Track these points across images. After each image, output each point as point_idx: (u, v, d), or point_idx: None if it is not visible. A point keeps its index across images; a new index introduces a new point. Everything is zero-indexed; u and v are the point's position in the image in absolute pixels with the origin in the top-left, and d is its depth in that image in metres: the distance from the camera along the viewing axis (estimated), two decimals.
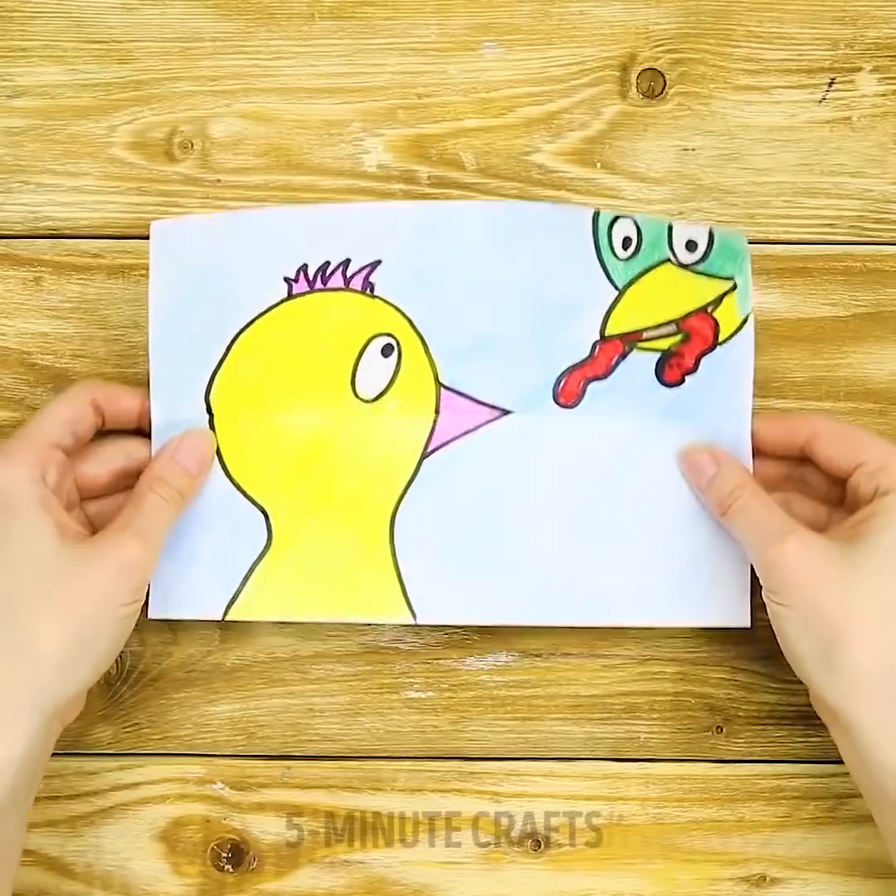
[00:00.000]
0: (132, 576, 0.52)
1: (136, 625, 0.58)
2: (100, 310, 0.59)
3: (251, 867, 0.59)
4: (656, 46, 0.58)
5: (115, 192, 0.58)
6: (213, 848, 0.59)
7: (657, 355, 0.56)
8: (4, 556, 0.51)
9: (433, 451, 0.56)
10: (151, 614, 0.56)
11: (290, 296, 0.56)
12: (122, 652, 0.58)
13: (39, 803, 0.59)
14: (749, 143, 0.58)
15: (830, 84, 0.58)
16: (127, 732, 0.59)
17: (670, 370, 0.56)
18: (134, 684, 0.59)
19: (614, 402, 0.56)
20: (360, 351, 0.56)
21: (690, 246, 0.56)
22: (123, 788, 0.59)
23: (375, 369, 0.56)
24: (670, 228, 0.56)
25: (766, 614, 0.53)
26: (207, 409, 0.56)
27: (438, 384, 0.56)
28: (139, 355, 0.58)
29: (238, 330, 0.56)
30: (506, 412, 0.56)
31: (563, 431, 0.56)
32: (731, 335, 0.56)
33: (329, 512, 0.56)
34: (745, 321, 0.56)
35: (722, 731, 0.59)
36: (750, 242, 0.58)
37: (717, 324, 0.56)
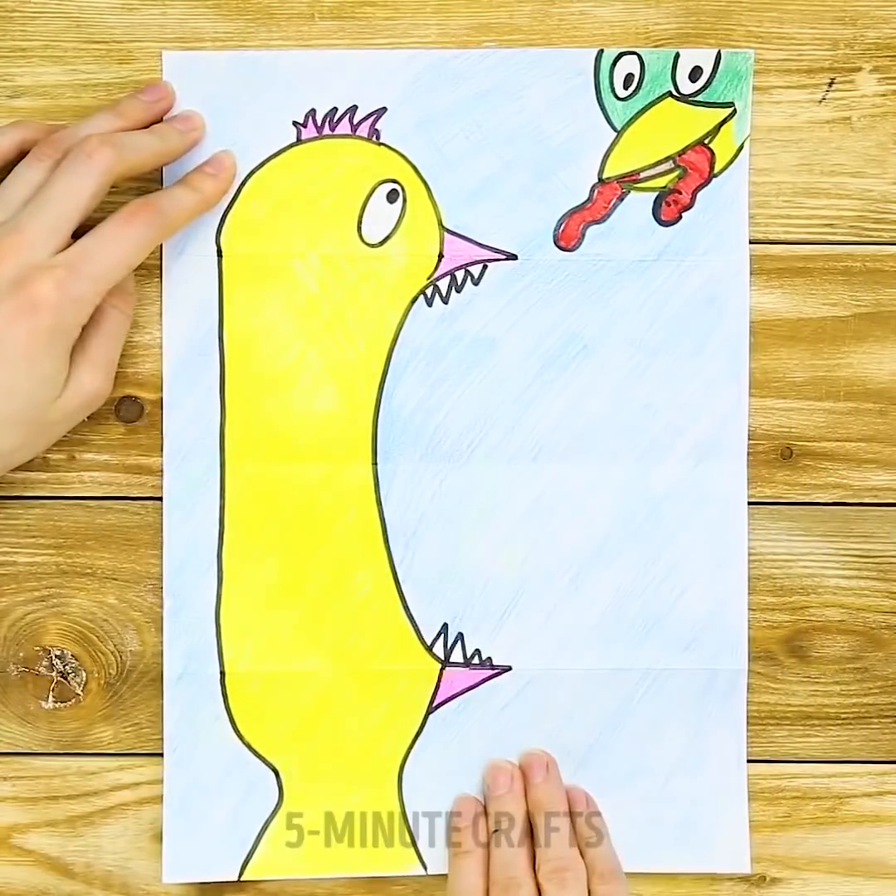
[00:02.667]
0: (93, 405, 0.55)
1: (136, 625, 0.58)
2: None
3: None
4: (656, 46, 0.58)
5: (114, 192, 0.58)
6: None
7: (654, 195, 0.57)
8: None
9: (439, 706, 0.58)
10: (165, 879, 0.57)
11: (300, 141, 0.58)
12: (121, 652, 0.58)
13: (39, 803, 0.59)
14: (749, 143, 0.58)
15: (830, 84, 0.58)
16: (127, 732, 0.59)
17: (667, 208, 0.57)
18: (134, 684, 0.59)
19: (613, 245, 0.57)
20: (367, 196, 0.57)
21: (695, 74, 0.57)
22: (123, 788, 0.59)
23: (381, 214, 0.58)
24: (677, 56, 0.57)
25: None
26: (217, 249, 0.57)
27: (442, 228, 0.58)
28: (139, 355, 0.58)
29: (249, 170, 0.57)
30: (508, 255, 0.57)
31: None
32: (727, 165, 0.58)
33: (338, 766, 0.58)
34: (741, 148, 0.58)
35: None
36: (750, 242, 0.58)
37: (713, 155, 0.58)
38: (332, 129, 0.58)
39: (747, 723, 0.58)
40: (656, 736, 0.58)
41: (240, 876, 0.57)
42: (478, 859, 0.56)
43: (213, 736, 0.57)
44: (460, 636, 0.57)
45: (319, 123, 0.58)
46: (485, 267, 0.58)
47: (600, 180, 0.58)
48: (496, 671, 0.58)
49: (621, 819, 0.57)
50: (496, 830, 0.56)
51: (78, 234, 0.53)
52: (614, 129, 0.58)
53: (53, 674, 0.59)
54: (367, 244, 0.58)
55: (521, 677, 0.58)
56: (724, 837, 0.58)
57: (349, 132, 0.58)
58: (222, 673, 0.57)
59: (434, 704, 0.58)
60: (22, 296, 0.51)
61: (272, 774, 0.57)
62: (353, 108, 0.58)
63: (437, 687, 0.58)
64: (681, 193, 0.58)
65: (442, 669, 0.58)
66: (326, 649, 0.57)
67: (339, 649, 0.57)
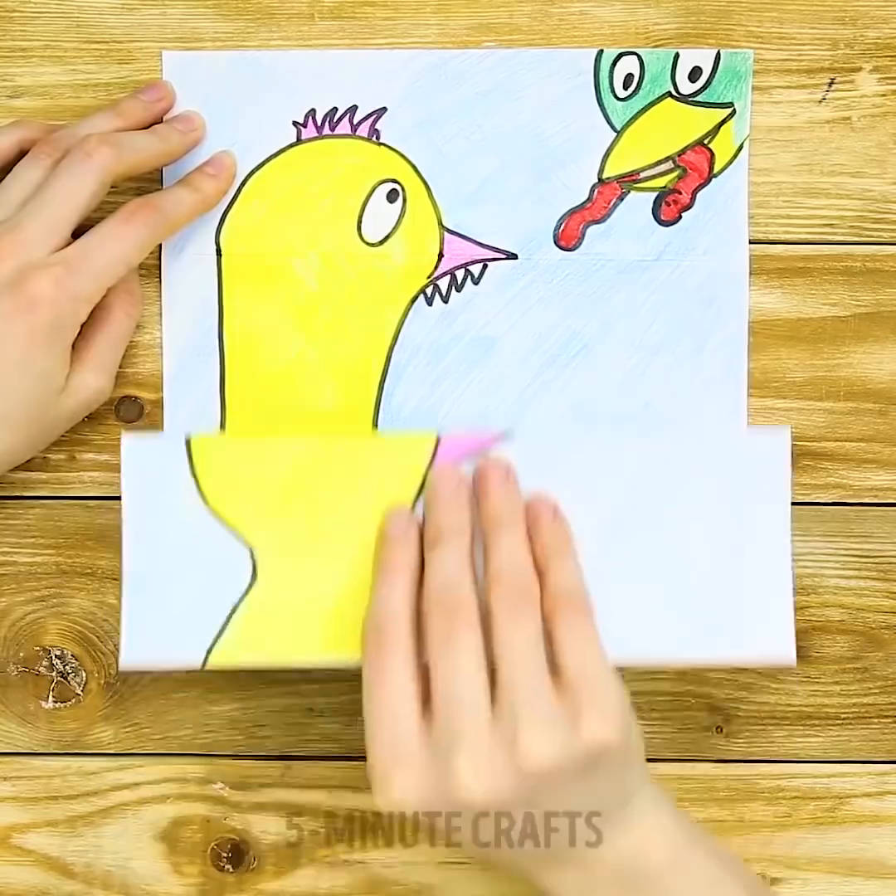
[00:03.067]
0: (93, 404, 0.55)
1: None
2: None
3: (251, 867, 0.59)
4: (656, 46, 0.58)
5: (114, 192, 0.58)
6: (213, 848, 0.59)
7: (654, 195, 0.57)
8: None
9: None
10: (122, 666, 0.52)
11: (300, 141, 0.58)
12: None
13: (39, 803, 0.59)
14: (748, 143, 0.58)
15: (830, 84, 0.58)
16: (127, 732, 0.59)
17: (667, 208, 0.57)
18: (134, 684, 0.59)
19: (613, 244, 0.57)
20: (367, 196, 0.58)
21: (694, 74, 0.57)
22: (123, 788, 0.59)
23: (381, 214, 0.58)
24: (676, 56, 0.57)
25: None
26: (217, 249, 0.57)
27: (442, 228, 0.58)
28: (139, 355, 0.58)
29: (249, 170, 0.57)
30: (508, 255, 0.57)
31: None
32: (727, 165, 0.58)
33: (321, 544, 0.53)
34: (740, 148, 0.58)
35: (722, 731, 0.59)
36: (750, 242, 0.58)
37: (712, 155, 0.57)
38: (332, 129, 0.58)
39: (747, 721, 0.58)
40: (687, 513, 0.52)
41: (204, 664, 0.52)
42: (408, 578, 0.49)
43: (179, 505, 0.52)
44: None
45: (319, 123, 0.58)
46: (485, 266, 0.58)
47: (600, 180, 0.58)
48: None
49: (646, 607, 0.52)
50: (435, 543, 0.49)
51: (77, 233, 0.53)
52: (614, 129, 0.58)
53: (53, 674, 0.59)
54: (367, 244, 0.58)
55: (527, 445, 0.52)
56: (766, 627, 0.52)
57: (349, 132, 0.58)
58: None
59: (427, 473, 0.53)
60: (20, 294, 0.51)
61: (245, 551, 0.52)
62: (353, 108, 0.58)
63: (434, 456, 0.53)
64: (680, 193, 0.58)
65: (439, 438, 0.53)
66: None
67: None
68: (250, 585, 0.52)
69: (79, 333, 0.53)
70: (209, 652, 0.52)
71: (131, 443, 0.53)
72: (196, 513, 0.52)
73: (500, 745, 0.46)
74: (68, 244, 0.53)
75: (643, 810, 0.49)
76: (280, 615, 0.52)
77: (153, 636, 0.52)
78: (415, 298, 0.58)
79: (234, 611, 0.52)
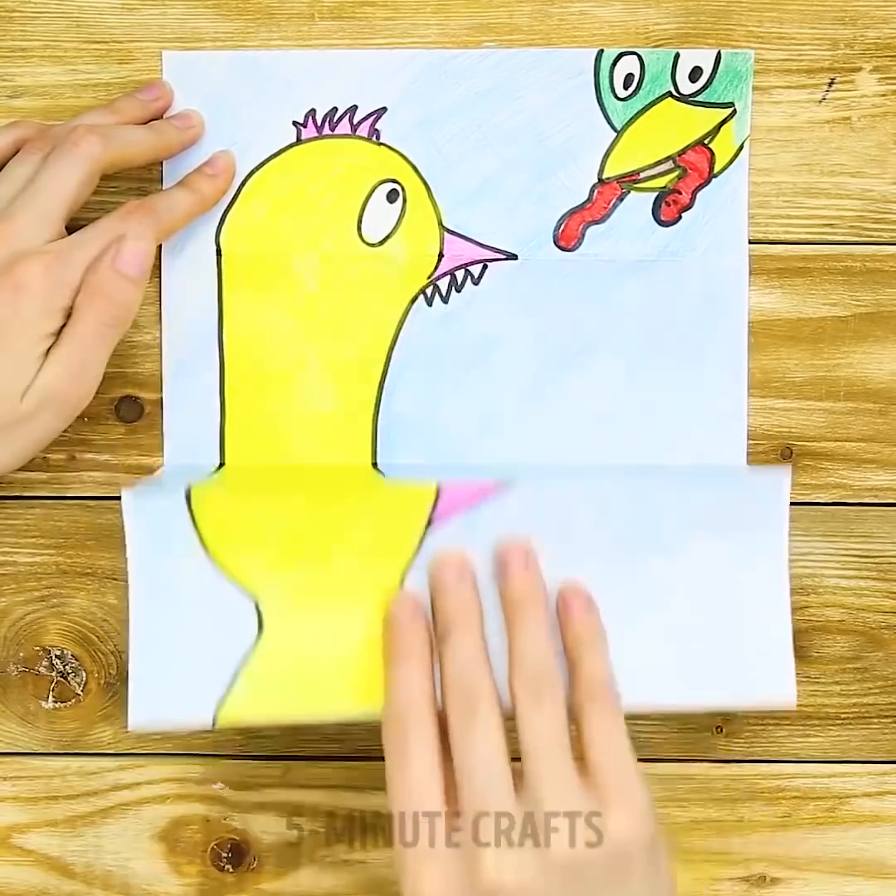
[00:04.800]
0: (55, 407, 0.52)
1: None
2: None
3: (251, 867, 0.59)
4: (656, 46, 0.58)
5: (113, 192, 0.58)
6: (213, 848, 0.59)
7: (653, 195, 0.57)
8: None
9: (439, 522, 0.52)
10: (131, 726, 0.51)
11: (300, 140, 0.58)
12: (122, 652, 0.58)
13: (39, 803, 0.59)
14: (748, 143, 0.58)
15: (830, 84, 0.58)
16: (127, 732, 0.59)
17: (667, 208, 0.57)
18: None
19: (613, 245, 0.57)
20: (367, 196, 0.58)
21: (694, 74, 0.57)
22: (123, 788, 0.59)
23: (381, 214, 0.58)
24: (676, 56, 0.57)
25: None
26: (217, 249, 0.57)
27: (442, 228, 0.58)
28: (139, 355, 0.58)
29: (249, 170, 0.57)
30: (508, 255, 0.57)
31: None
32: (727, 165, 0.58)
33: (326, 594, 0.52)
34: (740, 148, 0.58)
35: (722, 731, 0.59)
36: (750, 242, 0.58)
37: (713, 155, 0.58)
38: (332, 129, 0.58)
39: (747, 721, 0.58)
40: (686, 557, 0.52)
41: (214, 723, 0.51)
42: (422, 663, 0.48)
43: (182, 560, 0.51)
44: None
45: (319, 123, 0.58)
46: (485, 266, 0.58)
47: (600, 180, 0.58)
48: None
49: (647, 653, 0.51)
50: (447, 633, 0.48)
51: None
52: (614, 129, 0.58)
53: (53, 674, 0.59)
54: (367, 244, 0.58)
55: (526, 493, 0.52)
56: (766, 672, 0.52)
57: (349, 132, 0.58)
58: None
59: (432, 522, 0.52)
60: (8, 279, 0.51)
61: (250, 604, 0.51)
62: (353, 108, 0.58)
63: (436, 503, 0.52)
64: (680, 193, 0.58)
65: (439, 488, 0.52)
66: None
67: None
68: (257, 638, 0.51)
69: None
70: (219, 709, 0.51)
71: (132, 498, 0.51)
72: (200, 566, 0.51)
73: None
74: (63, 238, 0.53)
75: None
76: (288, 667, 0.51)
77: (161, 695, 0.51)
78: (415, 299, 0.58)
79: (242, 664, 0.51)
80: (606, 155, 0.58)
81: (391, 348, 0.58)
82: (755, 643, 0.52)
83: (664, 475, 0.54)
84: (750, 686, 0.52)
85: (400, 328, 0.58)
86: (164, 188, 0.57)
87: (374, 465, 0.58)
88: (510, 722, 0.48)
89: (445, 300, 0.58)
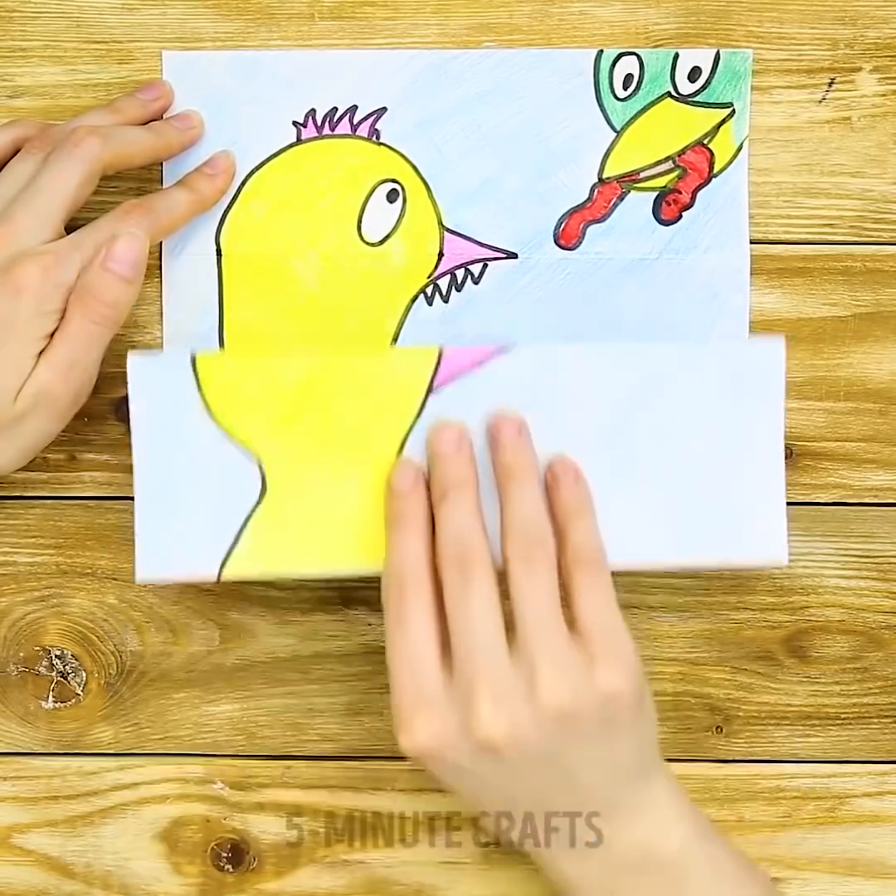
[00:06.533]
0: (44, 408, 0.52)
1: (135, 624, 0.58)
2: None
3: (251, 867, 0.59)
4: (656, 46, 0.58)
5: (113, 192, 0.58)
6: (213, 848, 0.59)
7: (654, 194, 0.57)
8: None
9: (440, 386, 0.53)
10: (138, 579, 0.53)
11: (300, 140, 0.58)
12: (122, 652, 0.58)
13: (39, 803, 0.59)
14: (748, 143, 0.58)
15: (830, 84, 0.58)
16: (127, 732, 0.59)
17: (667, 207, 0.58)
18: (134, 684, 0.59)
19: (613, 244, 0.58)
20: (367, 196, 0.58)
21: (694, 74, 0.57)
22: (123, 788, 0.59)
23: (381, 214, 0.58)
24: (676, 56, 0.57)
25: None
26: (216, 248, 0.57)
27: (442, 227, 0.58)
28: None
29: (249, 170, 0.57)
30: (508, 254, 0.57)
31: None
32: (726, 165, 0.58)
33: (328, 455, 0.53)
34: (740, 148, 0.58)
35: (722, 731, 0.59)
36: (750, 242, 0.58)
37: (712, 155, 0.58)
38: (332, 129, 0.58)
39: (747, 721, 0.58)
40: (683, 419, 0.53)
41: (219, 576, 0.52)
42: (421, 530, 0.50)
43: (186, 419, 0.53)
44: None
45: (319, 123, 0.58)
46: (485, 266, 0.58)
47: (600, 180, 0.58)
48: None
49: (643, 512, 0.53)
50: (444, 498, 0.50)
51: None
52: (614, 129, 0.58)
53: (53, 674, 0.59)
54: (367, 243, 0.58)
55: (524, 359, 0.53)
56: (759, 529, 0.53)
57: (349, 132, 0.58)
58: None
59: (434, 385, 0.53)
60: (6, 279, 0.51)
61: (254, 464, 0.53)
62: (353, 108, 0.58)
63: (437, 366, 0.53)
64: (680, 193, 0.58)
65: (441, 351, 0.53)
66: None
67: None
68: (261, 497, 0.53)
69: None
70: (223, 564, 0.53)
71: (137, 362, 0.53)
72: (203, 428, 0.53)
73: (518, 686, 0.48)
74: (62, 238, 0.53)
75: (657, 800, 0.50)
76: (291, 526, 0.53)
77: (167, 550, 0.53)
78: (415, 298, 0.58)
79: (246, 523, 0.53)
80: (606, 155, 0.58)
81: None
82: (748, 503, 0.53)
83: (663, 346, 0.54)
84: (743, 544, 0.53)
85: (400, 327, 0.58)
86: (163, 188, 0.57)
87: None
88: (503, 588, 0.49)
89: (446, 299, 0.58)
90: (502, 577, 0.49)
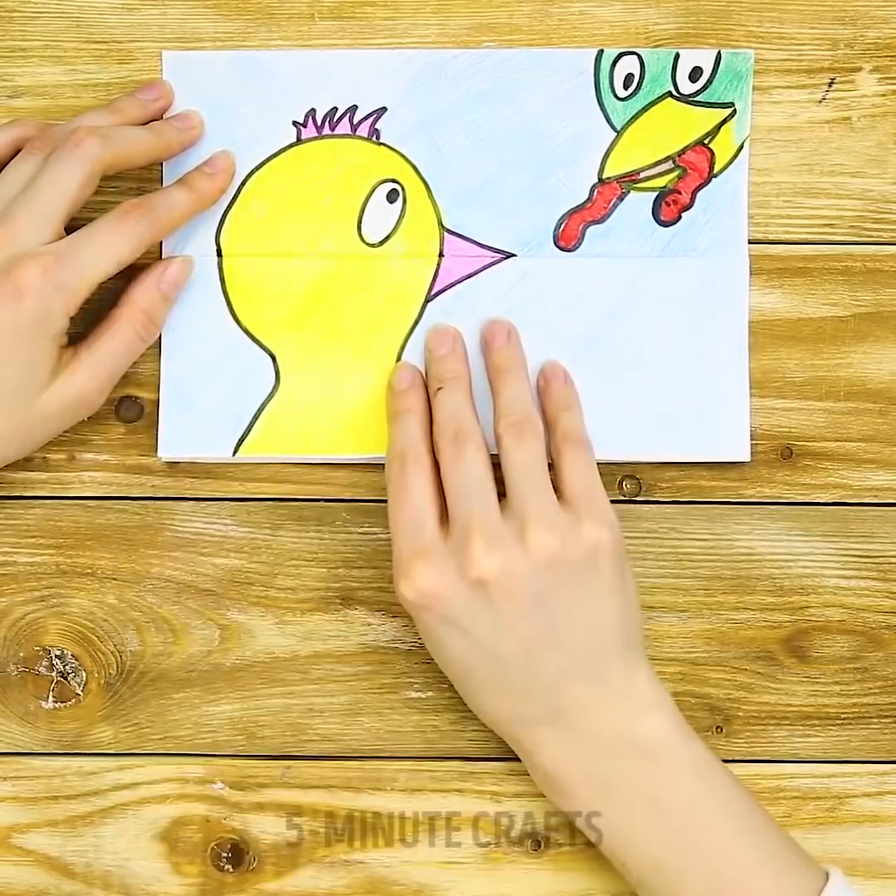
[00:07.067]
0: (78, 410, 0.55)
1: (135, 624, 0.58)
2: (102, 311, 0.58)
3: (251, 867, 0.59)
4: (656, 46, 0.58)
5: (113, 192, 0.58)
6: (213, 848, 0.59)
7: (654, 195, 0.58)
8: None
9: (437, 294, 0.58)
10: (161, 455, 0.57)
11: (300, 140, 0.58)
12: (121, 652, 0.58)
13: (39, 803, 0.59)
14: (748, 143, 0.58)
15: (830, 84, 0.58)
16: (127, 732, 0.59)
17: (667, 208, 0.58)
18: (134, 684, 0.59)
19: (613, 245, 0.58)
20: (367, 196, 0.58)
21: (695, 74, 0.58)
22: (123, 788, 0.59)
23: (381, 214, 0.58)
24: (677, 56, 0.57)
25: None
26: (217, 249, 0.58)
27: (442, 228, 0.58)
28: (139, 356, 0.58)
29: (249, 170, 0.58)
30: (508, 255, 0.58)
31: (563, 273, 0.58)
32: (727, 165, 0.58)
33: (335, 353, 0.58)
34: (740, 148, 0.58)
35: (722, 731, 0.59)
36: (750, 242, 0.58)
37: (713, 155, 0.58)
38: (332, 129, 0.58)
39: (747, 721, 0.58)
40: (658, 326, 0.58)
41: (234, 452, 0.57)
42: (419, 416, 0.55)
43: (210, 319, 0.58)
44: None
45: (319, 123, 0.58)
46: (485, 266, 0.58)
47: (600, 180, 0.58)
48: (497, 257, 0.58)
49: (621, 410, 0.57)
50: (439, 388, 0.55)
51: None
52: (614, 129, 0.58)
53: (53, 674, 0.59)
54: (367, 244, 0.58)
55: (521, 265, 0.58)
56: (725, 427, 0.57)
57: (349, 132, 0.58)
58: (219, 254, 0.58)
59: (432, 293, 0.58)
60: (8, 282, 0.51)
61: (269, 359, 0.58)
62: (353, 108, 0.58)
63: (436, 276, 0.58)
64: (680, 193, 0.58)
65: (440, 258, 0.58)
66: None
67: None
68: (274, 389, 0.58)
69: (85, 340, 0.54)
70: (240, 443, 0.57)
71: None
72: (225, 324, 0.58)
73: (509, 535, 0.52)
74: (62, 239, 0.53)
75: (640, 686, 0.53)
76: (300, 415, 0.58)
77: (188, 432, 0.57)
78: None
79: (260, 411, 0.57)
80: (606, 155, 0.58)
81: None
82: (716, 403, 0.57)
83: (644, 259, 0.58)
84: (709, 440, 0.58)
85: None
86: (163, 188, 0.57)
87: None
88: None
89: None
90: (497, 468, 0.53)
